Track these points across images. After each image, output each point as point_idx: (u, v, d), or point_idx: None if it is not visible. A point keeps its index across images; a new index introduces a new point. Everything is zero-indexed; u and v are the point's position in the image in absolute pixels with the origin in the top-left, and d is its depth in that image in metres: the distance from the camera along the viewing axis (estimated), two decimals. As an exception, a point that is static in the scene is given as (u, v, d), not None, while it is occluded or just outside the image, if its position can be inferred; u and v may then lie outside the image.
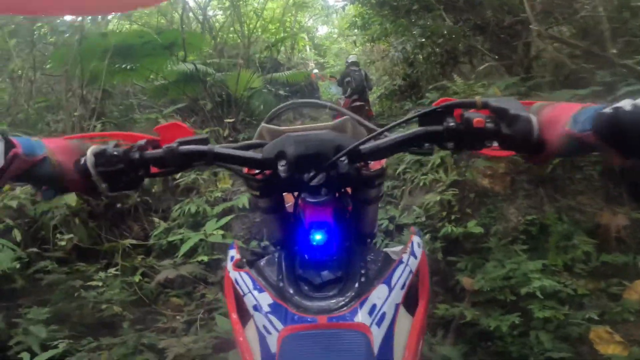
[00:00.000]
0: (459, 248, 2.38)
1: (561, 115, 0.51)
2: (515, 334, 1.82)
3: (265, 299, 0.62)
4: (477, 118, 0.55)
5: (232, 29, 7.65)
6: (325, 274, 0.64)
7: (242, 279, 0.67)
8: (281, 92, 5.76)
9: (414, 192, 2.90)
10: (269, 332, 0.58)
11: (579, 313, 1.82)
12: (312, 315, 0.58)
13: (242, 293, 0.65)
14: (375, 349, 0.55)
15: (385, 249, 0.71)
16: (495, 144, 0.57)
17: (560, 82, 3.76)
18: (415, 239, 0.71)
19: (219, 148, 0.61)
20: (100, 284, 2.43)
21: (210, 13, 8.57)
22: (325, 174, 0.61)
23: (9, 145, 0.51)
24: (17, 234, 2.53)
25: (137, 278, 2.63)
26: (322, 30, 13.44)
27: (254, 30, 7.70)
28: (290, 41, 9.62)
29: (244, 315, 0.65)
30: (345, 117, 0.73)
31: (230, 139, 4.42)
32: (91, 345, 2.03)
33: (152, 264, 2.82)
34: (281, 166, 0.59)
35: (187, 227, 2.99)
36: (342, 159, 0.58)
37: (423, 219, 2.52)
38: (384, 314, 0.58)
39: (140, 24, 6.66)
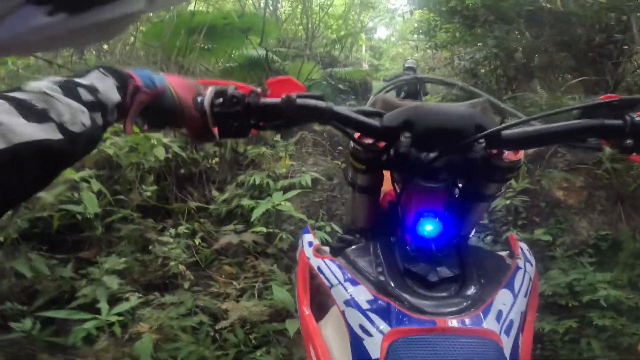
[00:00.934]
0: None
1: None
2: (566, 339, 1.93)
3: (362, 294, 0.54)
4: None
5: (296, 21, 7.95)
6: (441, 271, 0.55)
7: (328, 268, 0.59)
8: (340, 85, 5.94)
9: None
10: (368, 334, 0.50)
11: (634, 325, 1.91)
12: (429, 317, 0.50)
13: (328, 284, 0.57)
14: None
15: (494, 252, 0.66)
16: None
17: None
18: (523, 246, 0.65)
19: (337, 107, 0.58)
20: (170, 240, 2.65)
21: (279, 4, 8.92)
22: (451, 157, 0.54)
23: (126, 79, 0.50)
24: (95, 185, 2.79)
25: (197, 241, 2.85)
26: (382, 33, 13.58)
27: (318, 25, 7.97)
28: (350, 40, 9.82)
29: (320, 310, 0.59)
30: (481, 97, 0.67)
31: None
32: (157, 300, 2.19)
33: (210, 229, 3.04)
34: (404, 138, 0.53)
35: (249, 198, 3.19)
36: (481, 141, 0.52)
37: (486, 221, 2.61)
38: (511, 322, 0.52)
39: (216, 7, 7.05)
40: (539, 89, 3.94)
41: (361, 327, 0.50)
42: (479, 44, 6.12)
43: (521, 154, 0.60)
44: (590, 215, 2.54)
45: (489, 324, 0.49)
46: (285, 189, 3.11)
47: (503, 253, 0.66)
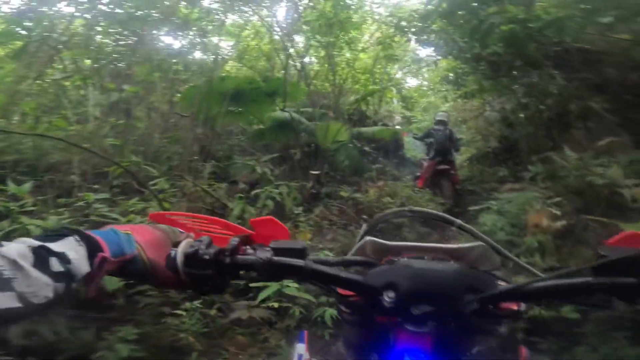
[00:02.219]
0: (545, 330, 2.46)
1: None
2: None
3: None
4: None
5: (325, 77, 8.54)
6: None
7: None
8: (366, 148, 6.25)
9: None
10: None
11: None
12: None
13: None
14: None
15: None
16: None
17: None
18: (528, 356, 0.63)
19: (315, 265, 0.59)
20: (184, 313, 2.87)
21: (307, 60, 9.63)
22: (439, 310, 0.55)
23: (95, 248, 0.52)
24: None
25: (213, 312, 3.09)
26: (412, 83, 14.10)
27: (345, 80, 8.52)
28: (378, 94, 10.31)
29: None
30: (479, 243, 0.65)
31: (314, 191, 4.92)
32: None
33: (228, 300, 3.28)
34: (388, 297, 0.55)
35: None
36: (471, 299, 0.53)
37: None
38: None
39: (248, 67, 7.71)
40: (565, 147, 3.93)
41: None
42: (508, 92, 6.26)
43: (522, 305, 0.61)
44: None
45: None
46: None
47: None
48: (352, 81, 9.27)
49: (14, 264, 0.43)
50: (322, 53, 8.99)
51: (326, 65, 8.88)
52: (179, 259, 0.58)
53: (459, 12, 5.23)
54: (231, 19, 9.15)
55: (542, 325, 2.45)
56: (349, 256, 0.69)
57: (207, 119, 5.00)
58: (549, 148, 4.99)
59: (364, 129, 6.59)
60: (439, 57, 8.01)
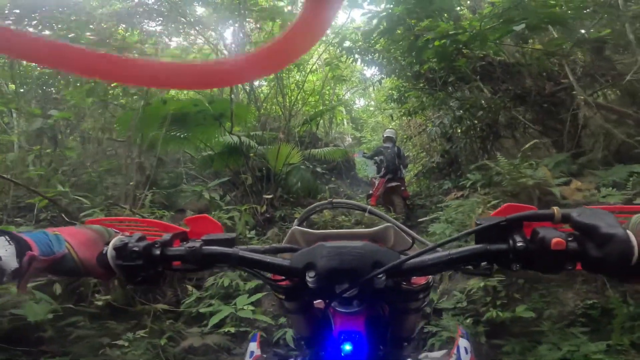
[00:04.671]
0: (504, 332, 2.52)
1: None
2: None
3: None
4: (556, 238, 0.50)
5: (275, 100, 8.51)
6: None
7: None
8: (318, 169, 6.21)
9: (454, 276, 3.11)
10: None
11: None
12: None
13: None
14: None
15: (426, 354, 0.71)
16: (577, 265, 0.53)
17: (613, 155, 3.86)
18: (462, 343, 0.70)
19: (244, 252, 0.63)
20: (126, 344, 2.68)
21: (256, 84, 9.60)
22: (358, 289, 0.60)
23: (24, 246, 0.55)
24: (57, 288, 2.84)
25: (163, 341, 2.87)
26: (360, 103, 14.41)
27: (295, 103, 8.54)
28: (329, 115, 10.42)
29: None
30: (387, 224, 0.74)
31: (267, 215, 4.80)
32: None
33: (180, 329, 3.08)
34: (309, 277, 0.60)
35: (219, 298, 3.25)
36: (379, 276, 0.58)
37: (464, 304, 2.69)
38: None
39: (195, 91, 7.51)
40: (498, 155, 4.16)
41: None
42: (445, 107, 6.56)
43: (429, 278, 0.69)
44: (574, 287, 2.63)
45: None
46: (258, 288, 3.22)
47: (439, 353, 0.74)
48: (302, 103, 9.34)
49: None
50: (271, 75, 9.05)
51: (275, 87, 8.90)
52: (110, 253, 0.62)
53: (397, 31, 5.39)
54: (176, 41, 9.03)
55: (500, 327, 2.50)
56: (277, 244, 0.74)
57: (149, 145, 4.77)
58: (485, 157, 5.39)
59: (315, 151, 6.58)
60: (383, 77, 8.23)
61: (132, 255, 0.62)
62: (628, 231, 0.48)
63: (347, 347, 0.65)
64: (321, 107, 8.38)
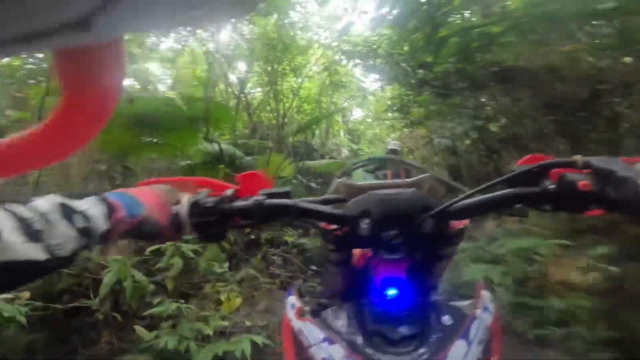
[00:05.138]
0: None
1: None
2: None
3: (337, 352, 0.64)
4: (583, 181, 0.56)
5: (268, 107, 7.80)
6: (403, 329, 0.65)
7: (308, 329, 0.69)
8: (312, 184, 5.46)
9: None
10: None
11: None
12: None
13: (308, 344, 0.67)
14: None
15: (454, 303, 0.73)
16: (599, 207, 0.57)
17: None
18: (485, 294, 0.74)
19: (301, 203, 0.67)
20: None
21: (250, 88, 8.89)
22: (407, 234, 0.65)
23: (112, 209, 0.56)
24: None
25: None
26: (357, 114, 13.78)
27: (289, 110, 7.83)
28: (325, 124, 9.72)
29: None
30: (426, 174, 0.82)
31: (252, 236, 4.05)
32: None
33: None
34: (364, 224, 0.64)
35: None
36: (428, 219, 0.63)
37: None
38: None
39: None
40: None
41: None
42: (453, 117, 5.97)
43: (466, 220, 0.71)
44: None
45: None
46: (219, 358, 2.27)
47: (465, 303, 0.72)
48: (297, 111, 8.65)
49: (44, 217, 0.45)
50: (266, 79, 8.37)
51: (270, 92, 8.22)
52: (184, 211, 0.66)
53: (411, 22, 4.75)
54: (167, 43, 8.35)
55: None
56: (326, 196, 0.78)
57: (119, 151, 4.03)
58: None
59: (311, 163, 5.82)
60: (384, 84, 7.66)
61: (206, 211, 0.65)
62: (636, 175, 0.53)
63: (392, 291, 0.68)
64: (317, 115, 7.60)
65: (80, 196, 0.53)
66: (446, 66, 5.43)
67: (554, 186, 0.59)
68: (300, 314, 0.72)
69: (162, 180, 0.74)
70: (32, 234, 0.43)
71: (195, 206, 0.66)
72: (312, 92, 9.34)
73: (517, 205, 0.63)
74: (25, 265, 0.42)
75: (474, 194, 0.64)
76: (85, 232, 0.50)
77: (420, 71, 6.14)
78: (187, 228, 0.66)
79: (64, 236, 0.46)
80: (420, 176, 0.81)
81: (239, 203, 0.68)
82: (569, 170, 0.59)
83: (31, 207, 0.45)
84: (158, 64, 9.08)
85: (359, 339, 0.65)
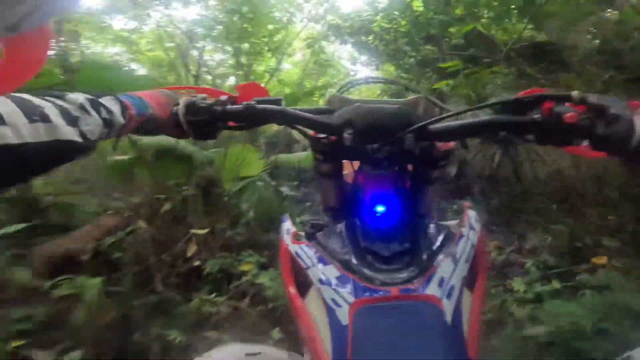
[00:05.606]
0: None
1: None
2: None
3: (332, 272, 0.66)
4: (570, 113, 0.56)
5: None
6: (393, 246, 0.67)
7: (304, 252, 0.72)
8: (284, 188, 4.22)
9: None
10: (338, 305, 0.62)
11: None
12: (384, 288, 0.62)
13: (305, 266, 0.70)
14: (448, 321, 0.60)
15: (442, 223, 0.75)
16: (586, 143, 0.57)
17: None
18: (471, 213, 0.76)
19: (290, 110, 0.70)
20: None
21: (222, 71, 7.68)
22: (390, 148, 0.65)
23: (126, 107, 0.64)
24: None
25: None
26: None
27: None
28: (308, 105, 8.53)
29: (303, 288, 0.70)
30: (419, 95, 0.83)
31: (193, 264, 2.91)
32: None
33: None
34: (347, 134, 0.64)
35: None
36: (409, 135, 0.63)
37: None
38: (452, 287, 0.63)
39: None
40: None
41: (333, 300, 0.63)
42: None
43: (452, 144, 0.72)
44: None
45: (432, 289, 0.61)
46: None
47: (453, 222, 0.76)
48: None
49: (80, 106, 0.55)
50: (238, 60, 7.18)
51: (242, 74, 7.03)
52: (181, 110, 0.72)
53: None
54: (122, 21, 7.11)
55: None
56: (317, 107, 0.79)
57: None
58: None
59: (283, 156, 4.60)
60: (379, 65, 6.60)
61: (199, 111, 0.71)
62: (635, 115, 0.52)
63: (380, 208, 0.69)
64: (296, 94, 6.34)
65: (100, 95, 0.61)
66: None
67: (539, 116, 0.59)
68: (296, 238, 0.75)
69: (168, 88, 0.80)
70: (71, 119, 0.53)
71: (190, 106, 0.71)
72: (295, 75, 8.16)
73: (502, 133, 0.62)
74: (67, 145, 0.52)
75: (459, 116, 0.66)
76: (108, 123, 0.59)
77: (429, 47, 5.12)
78: (184, 125, 0.72)
79: (93, 123, 0.56)
80: (413, 97, 0.81)
81: (232, 107, 0.72)
82: (563, 104, 0.58)
83: (69, 98, 0.55)
84: (117, 45, 7.80)
85: (352, 258, 0.67)
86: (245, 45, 6.77)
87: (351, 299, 0.61)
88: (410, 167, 0.76)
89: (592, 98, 0.55)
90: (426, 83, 6.08)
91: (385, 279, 0.63)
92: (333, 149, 0.70)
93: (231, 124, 0.73)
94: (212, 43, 7.22)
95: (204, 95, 0.75)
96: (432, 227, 0.72)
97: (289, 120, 0.69)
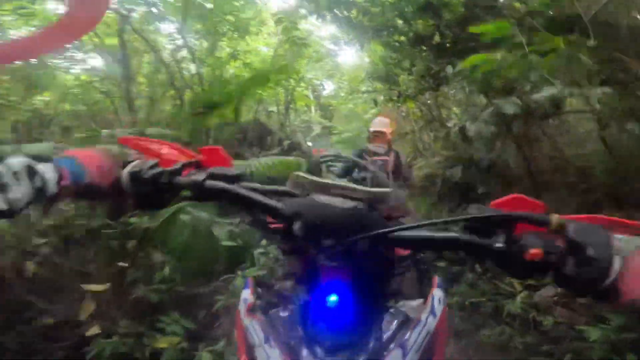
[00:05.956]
0: None
1: None
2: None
3: (274, 356, 0.63)
4: (535, 250, 0.49)
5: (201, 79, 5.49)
6: (341, 337, 0.64)
7: (254, 328, 0.68)
8: (219, 229, 2.80)
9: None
10: None
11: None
12: None
13: (253, 344, 0.67)
14: None
15: (405, 305, 0.72)
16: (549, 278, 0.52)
17: None
18: (437, 293, 0.72)
19: (241, 189, 0.65)
20: None
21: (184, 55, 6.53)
22: (342, 248, 0.61)
23: (61, 174, 0.61)
24: None
25: None
26: (329, 88, 11.55)
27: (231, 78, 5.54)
28: (285, 95, 7.46)
29: None
30: (388, 189, 0.74)
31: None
32: None
33: None
34: (297, 227, 0.60)
35: None
36: (366, 240, 0.59)
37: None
38: None
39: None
40: None
41: None
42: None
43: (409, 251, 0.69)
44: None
45: None
46: None
47: (416, 302, 0.72)
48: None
49: (14, 174, 0.55)
50: (200, 43, 6.09)
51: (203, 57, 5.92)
52: (125, 179, 0.67)
53: None
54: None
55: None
56: (280, 187, 0.72)
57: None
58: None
59: (242, 163, 3.46)
60: (364, 43, 5.60)
61: (143, 182, 0.66)
62: (615, 254, 0.47)
63: (333, 298, 0.65)
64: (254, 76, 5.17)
65: (42, 159, 0.60)
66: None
67: (502, 245, 0.53)
68: (250, 311, 0.72)
69: (122, 140, 0.76)
70: (0, 186, 0.53)
71: (136, 176, 0.66)
72: (267, 58, 7.04)
73: (461, 253, 0.58)
74: None
75: (421, 227, 0.60)
76: (39, 192, 0.58)
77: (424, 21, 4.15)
78: (128, 195, 0.67)
79: (22, 192, 0.55)
80: (381, 190, 0.71)
81: (181, 179, 0.68)
82: (539, 229, 0.52)
83: (8, 162, 0.55)
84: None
85: (297, 345, 0.64)
86: (205, 26, 5.67)
87: None
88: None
89: (572, 229, 0.49)
90: (421, 64, 5.10)
91: None
92: (286, 235, 0.64)
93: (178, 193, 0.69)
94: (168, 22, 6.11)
95: (154, 162, 0.69)
96: (389, 314, 0.69)
97: (240, 201, 0.65)
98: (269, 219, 0.68)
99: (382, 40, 5.62)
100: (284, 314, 0.70)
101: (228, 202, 0.66)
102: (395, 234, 0.59)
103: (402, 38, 5.25)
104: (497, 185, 4.26)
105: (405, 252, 0.70)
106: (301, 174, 0.74)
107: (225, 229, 2.58)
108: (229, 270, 2.43)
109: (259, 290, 0.77)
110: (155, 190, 0.66)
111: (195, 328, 2.10)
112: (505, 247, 0.52)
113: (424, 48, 4.93)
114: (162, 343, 1.92)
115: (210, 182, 0.65)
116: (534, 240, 0.50)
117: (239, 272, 2.19)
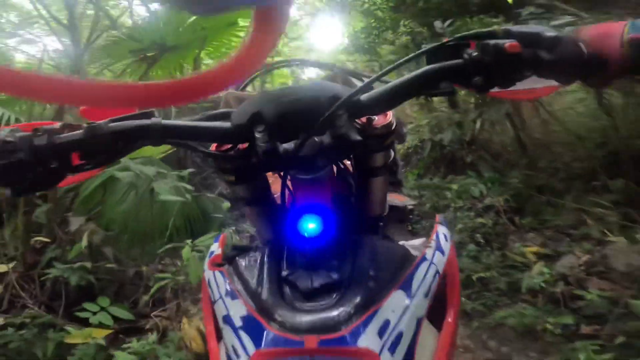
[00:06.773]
0: None
1: (612, 27, 0.44)
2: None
3: (238, 309, 0.51)
4: (511, 42, 0.46)
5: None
6: (318, 277, 0.51)
7: (216, 280, 0.58)
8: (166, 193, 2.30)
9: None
10: (237, 356, 0.48)
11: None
12: (298, 336, 0.46)
13: (212, 299, 0.56)
14: None
15: (402, 242, 0.59)
16: (534, 75, 0.48)
17: None
18: (441, 229, 0.63)
19: (167, 121, 0.48)
20: None
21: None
22: (320, 142, 0.50)
23: None
24: None
25: None
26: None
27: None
28: (259, 80, 6.85)
29: (220, 328, 0.55)
30: (335, 71, 0.70)
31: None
32: None
33: None
34: (258, 133, 0.47)
35: None
36: (341, 112, 0.48)
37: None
38: (400, 334, 0.47)
39: None
40: None
41: (233, 348, 0.49)
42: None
43: (390, 115, 0.57)
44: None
45: (367, 340, 0.45)
46: None
47: (417, 240, 0.61)
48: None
49: None
50: None
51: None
52: None
53: None
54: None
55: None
56: (210, 112, 0.58)
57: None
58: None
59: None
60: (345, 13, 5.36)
61: (6, 149, 0.43)
62: (575, 33, 0.46)
63: (311, 225, 0.53)
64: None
65: None
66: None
67: (478, 54, 0.48)
68: (214, 263, 0.61)
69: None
70: None
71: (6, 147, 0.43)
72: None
73: (443, 84, 0.50)
74: None
75: (387, 78, 0.52)
76: None
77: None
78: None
79: None
80: (329, 74, 0.67)
81: (66, 134, 0.45)
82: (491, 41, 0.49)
83: None
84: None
85: (266, 292, 0.50)
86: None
87: (252, 348, 0.46)
88: (347, 161, 0.62)
89: (517, 28, 0.48)
90: (404, 34, 4.71)
91: (302, 323, 0.46)
92: (245, 162, 0.53)
93: (77, 162, 0.46)
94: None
95: (15, 128, 0.45)
96: (382, 247, 0.55)
97: (170, 135, 0.48)
98: (214, 149, 0.54)
99: (362, 9, 5.32)
100: (252, 259, 0.57)
101: (155, 142, 0.48)
102: (370, 94, 0.50)
103: (384, 4, 4.95)
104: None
105: (385, 121, 0.55)
106: (235, 92, 0.65)
107: (171, 183, 2.04)
108: (181, 240, 1.99)
109: (231, 240, 0.60)
110: (29, 159, 0.43)
111: (130, 317, 1.67)
112: (481, 55, 0.47)
113: (406, 18, 4.61)
114: (75, 338, 1.49)
115: (117, 125, 0.46)
116: (502, 40, 0.46)
117: (188, 242, 1.75)
